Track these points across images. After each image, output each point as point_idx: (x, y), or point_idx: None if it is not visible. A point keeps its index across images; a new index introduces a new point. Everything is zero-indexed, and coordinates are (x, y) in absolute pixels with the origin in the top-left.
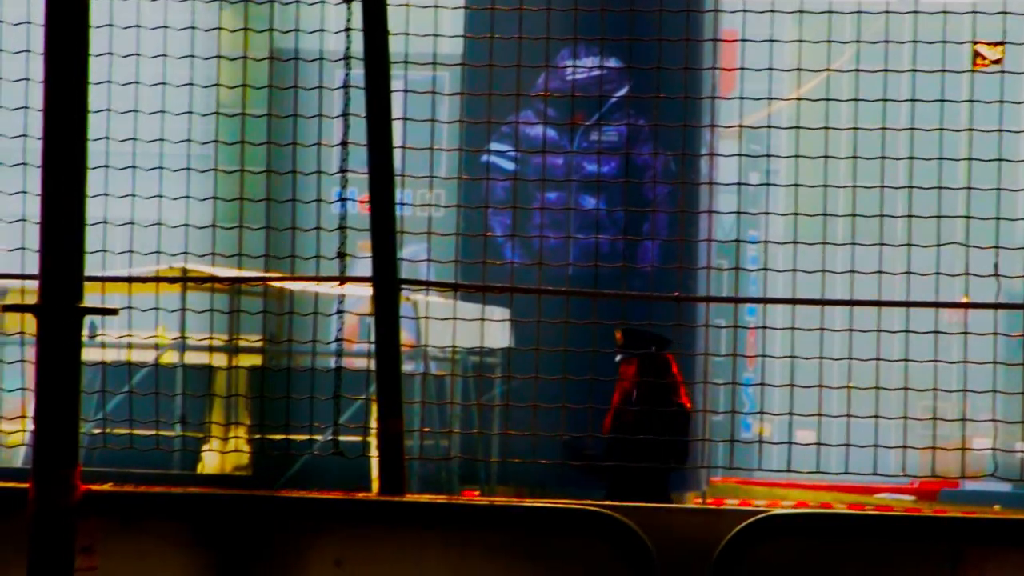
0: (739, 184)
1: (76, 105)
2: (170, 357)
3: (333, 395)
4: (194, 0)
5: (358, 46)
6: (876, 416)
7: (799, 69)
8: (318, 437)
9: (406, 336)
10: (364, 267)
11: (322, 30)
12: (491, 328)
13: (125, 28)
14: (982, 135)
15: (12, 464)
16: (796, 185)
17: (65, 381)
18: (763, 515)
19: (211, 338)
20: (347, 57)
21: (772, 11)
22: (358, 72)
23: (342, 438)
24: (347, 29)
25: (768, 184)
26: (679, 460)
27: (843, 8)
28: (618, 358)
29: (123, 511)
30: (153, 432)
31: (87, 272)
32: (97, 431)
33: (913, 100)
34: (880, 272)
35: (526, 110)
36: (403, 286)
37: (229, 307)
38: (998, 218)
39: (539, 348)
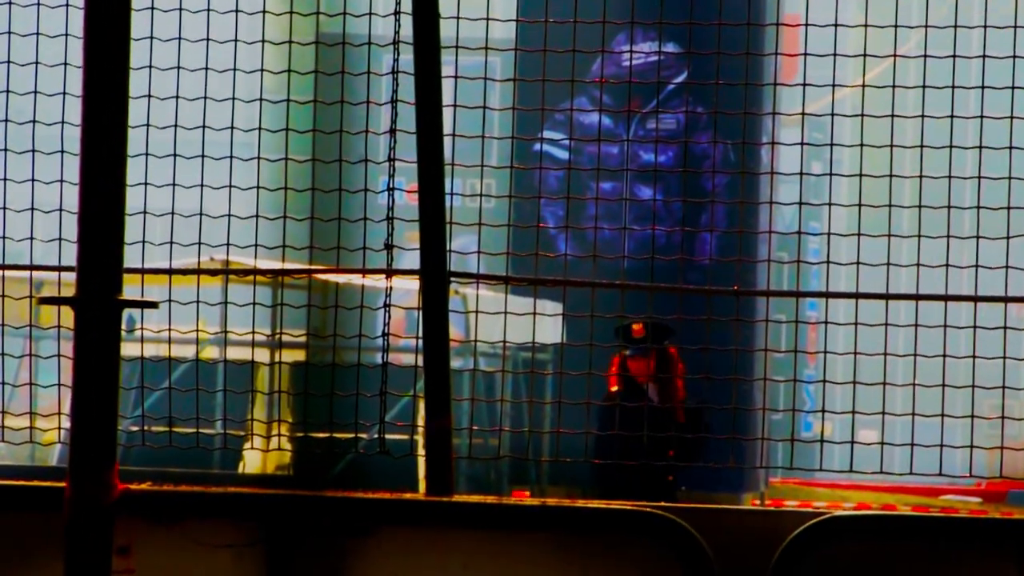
0: (801, 174)
1: (116, 91)
2: (211, 352)
3: (379, 392)
4: None
5: (407, 30)
6: (942, 415)
7: (864, 55)
8: (363, 436)
9: (454, 331)
10: (412, 259)
11: (371, 13)
12: (543, 323)
13: (167, 11)
14: None
15: (47, 463)
16: (860, 175)
17: (103, 377)
18: (825, 517)
19: (253, 333)
20: (396, 42)
21: None
22: (407, 58)
23: (389, 436)
24: (396, 12)
25: (831, 174)
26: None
27: None
28: (630, 352)
29: (162, 511)
30: (193, 430)
31: (126, 264)
32: (135, 428)
33: (983, 87)
34: (947, 266)
35: (581, 97)
36: (452, 279)
37: (272, 300)
38: None
39: (592, 344)
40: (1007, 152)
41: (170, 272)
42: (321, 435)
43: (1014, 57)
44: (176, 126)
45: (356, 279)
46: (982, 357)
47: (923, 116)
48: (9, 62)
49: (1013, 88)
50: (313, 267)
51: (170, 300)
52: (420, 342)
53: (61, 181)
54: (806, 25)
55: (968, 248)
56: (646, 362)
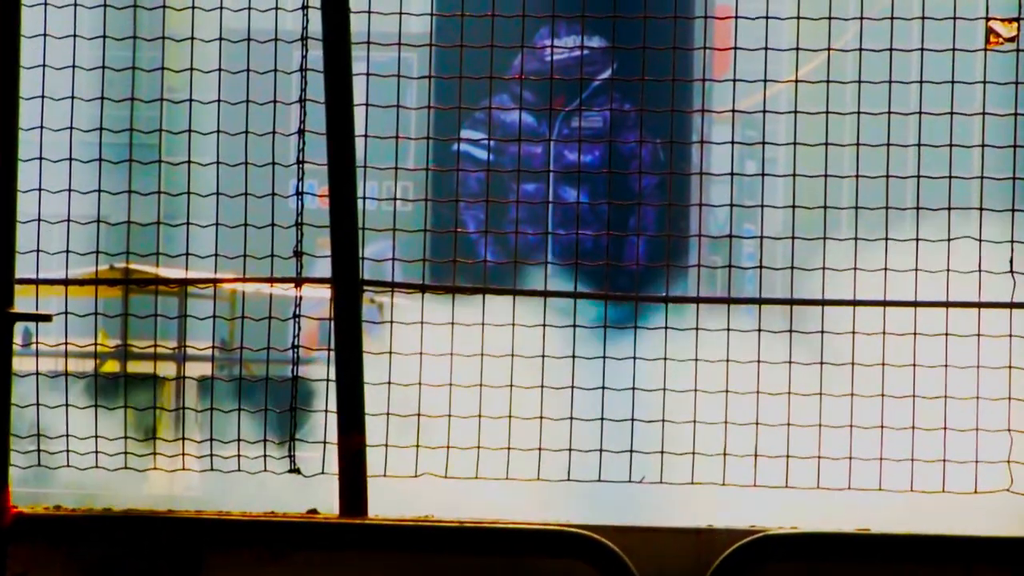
0: (733, 174)
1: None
2: (112, 366)
3: (290, 407)
4: None
5: (316, 25)
6: (881, 426)
7: (798, 48)
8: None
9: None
10: (323, 267)
11: (277, 8)
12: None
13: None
14: (996, 119)
15: None
16: (794, 175)
17: None
18: (757, 536)
19: (155, 345)
20: (304, 37)
21: None
22: (316, 54)
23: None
24: (304, 7)
25: (763, 174)
26: None
27: None
28: None
29: (60, 534)
30: (92, 451)
31: (18, 275)
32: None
33: (922, 82)
34: (885, 269)
35: (501, 94)
36: (366, 287)
37: (177, 311)
38: (1014, 209)
39: (515, 355)
40: (948, 150)
41: (67, 283)
42: (228, 456)
43: (954, 51)
44: (72, 128)
45: (266, 288)
46: (921, 365)
47: (859, 113)
48: None
49: (953, 83)
50: (219, 276)
51: (67, 312)
52: (332, 353)
53: None
54: (737, 18)
55: (909, 250)
56: None
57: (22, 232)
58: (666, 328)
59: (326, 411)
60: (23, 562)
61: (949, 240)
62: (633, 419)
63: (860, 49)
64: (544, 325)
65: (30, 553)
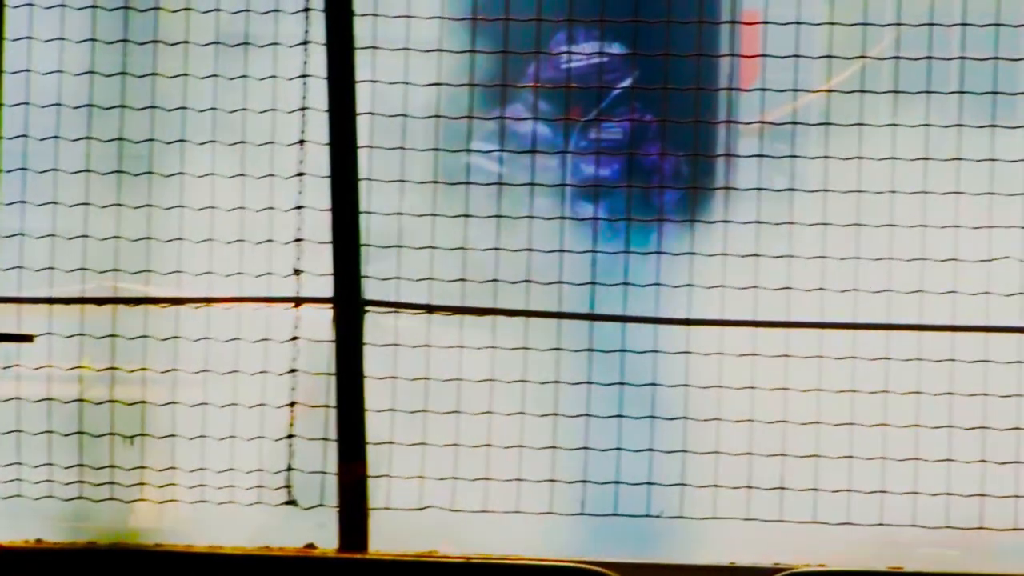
0: (760, 189)
1: None
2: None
3: (287, 434)
4: None
5: (319, 30)
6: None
7: (830, 56)
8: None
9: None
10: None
11: (277, 10)
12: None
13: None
14: None
15: None
16: (826, 191)
17: None
18: (783, 575)
19: (144, 369)
20: (306, 42)
21: None
22: (319, 59)
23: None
24: (306, 10)
25: (794, 189)
26: None
27: None
28: None
29: (41, 569)
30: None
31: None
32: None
33: (961, 92)
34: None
35: (515, 104)
36: (368, 307)
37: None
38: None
39: (526, 380)
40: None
41: (51, 302)
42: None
43: (996, 59)
44: (57, 137)
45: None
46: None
47: (895, 125)
48: None
49: (995, 93)
50: (214, 296)
51: (50, 333)
52: (334, 377)
53: None
54: (765, 23)
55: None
56: None
57: (4, 248)
58: (687, 352)
59: (325, 439)
60: None
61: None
62: (652, 449)
63: (897, 57)
64: (559, 349)
65: None
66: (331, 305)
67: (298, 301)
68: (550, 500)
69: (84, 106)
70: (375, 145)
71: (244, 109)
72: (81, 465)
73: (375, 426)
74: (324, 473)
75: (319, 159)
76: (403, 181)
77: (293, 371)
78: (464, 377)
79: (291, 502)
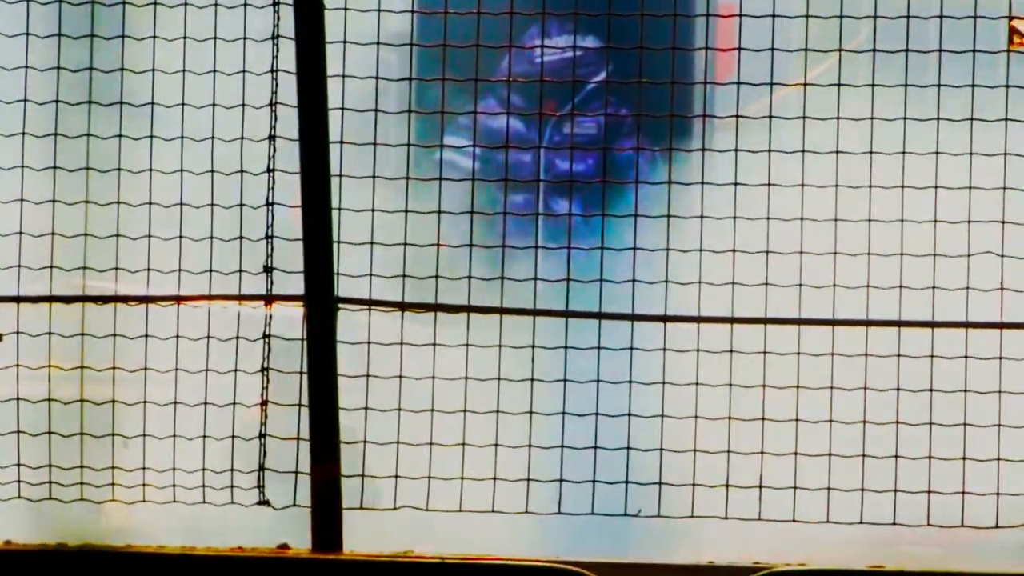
0: (736, 184)
1: None
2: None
3: (259, 434)
4: None
5: (288, 24)
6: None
7: (807, 49)
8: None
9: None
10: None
11: (246, 4)
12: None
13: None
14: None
15: None
16: (803, 185)
17: None
18: (763, 573)
19: (114, 368)
20: (275, 36)
21: None
22: (288, 53)
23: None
24: (275, 3)
25: (770, 184)
26: None
27: None
28: None
29: (10, 571)
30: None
31: None
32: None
33: (939, 86)
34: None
35: (487, 98)
36: (341, 305)
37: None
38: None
39: (501, 378)
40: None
41: (18, 300)
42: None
43: (974, 51)
44: (24, 133)
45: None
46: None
47: (872, 119)
48: None
49: (974, 86)
50: (184, 294)
51: (18, 332)
52: (305, 376)
53: None
54: (741, 16)
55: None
56: None
57: None
58: (664, 350)
59: (298, 439)
60: None
61: (969, 255)
62: (628, 448)
63: (874, 50)
64: (533, 346)
65: None
66: (303, 303)
67: (270, 299)
68: (526, 499)
69: (50, 102)
70: (346, 141)
71: (213, 105)
72: (50, 465)
73: (348, 425)
74: (297, 473)
75: (290, 155)
76: (375, 177)
77: (265, 370)
78: (438, 375)
79: (264, 502)
